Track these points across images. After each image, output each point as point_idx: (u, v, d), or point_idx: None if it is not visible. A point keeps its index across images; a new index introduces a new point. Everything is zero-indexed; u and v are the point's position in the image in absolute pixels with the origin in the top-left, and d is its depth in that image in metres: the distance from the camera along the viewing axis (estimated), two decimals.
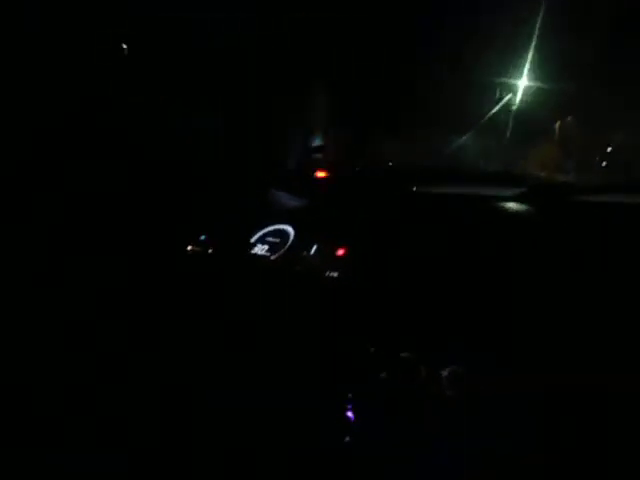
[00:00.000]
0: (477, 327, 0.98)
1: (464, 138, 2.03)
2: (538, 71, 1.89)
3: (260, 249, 1.18)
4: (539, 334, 0.93)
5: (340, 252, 1.12)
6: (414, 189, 1.20)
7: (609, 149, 1.96)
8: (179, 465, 0.95)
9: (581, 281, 0.96)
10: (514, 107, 2.02)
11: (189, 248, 1.20)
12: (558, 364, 0.89)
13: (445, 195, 1.20)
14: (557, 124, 2.09)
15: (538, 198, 1.15)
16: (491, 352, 0.94)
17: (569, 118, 2.10)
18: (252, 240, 1.19)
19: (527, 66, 1.87)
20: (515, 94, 2.00)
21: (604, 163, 1.93)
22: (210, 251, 1.19)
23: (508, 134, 2.00)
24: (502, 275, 1.02)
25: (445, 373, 0.95)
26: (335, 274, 1.10)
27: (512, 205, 1.16)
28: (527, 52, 1.84)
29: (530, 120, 2.00)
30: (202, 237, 1.21)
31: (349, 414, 0.97)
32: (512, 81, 1.95)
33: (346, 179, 1.25)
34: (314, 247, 1.14)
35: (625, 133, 1.92)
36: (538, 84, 1.95)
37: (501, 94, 2.01)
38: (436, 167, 1.37)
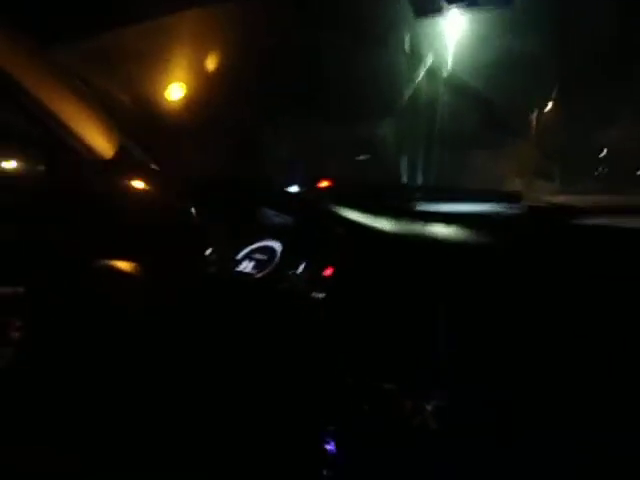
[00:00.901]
0: (464, 359, 0.95)
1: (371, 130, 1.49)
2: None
3: (246, 267, 1.15)
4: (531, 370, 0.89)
5: (327, 272, 1.09)
6: (404, 207, 1.16)
7: (604, 152, 1.59)
8: None
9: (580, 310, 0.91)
10: (443, 74, 1.41)
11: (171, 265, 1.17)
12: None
13: (438, 214, 1.16)
14: (533, 114, 1.60)
15: (539, 219, 1.10)
16: (476, 384, 0.92)
17: (550, 105, 1.60)
18: (238, 257, 1.16)
19: None
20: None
21: (600, 168, 1.59)
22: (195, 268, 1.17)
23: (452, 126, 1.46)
24: (495, 304, 0.98)
25: (429, 406, 0.93)
26: (321, 295, 1.07)
27: (509, 226, 1.11)
28: None
29: (489, 104, 1.51)
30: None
31: (330, 447, 0.95)
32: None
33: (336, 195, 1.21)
34: (301, 265, 1.11)
35: (626, 130, 1.53)
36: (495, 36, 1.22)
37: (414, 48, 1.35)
38: (425, 184, 1.31)
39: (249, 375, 1.05)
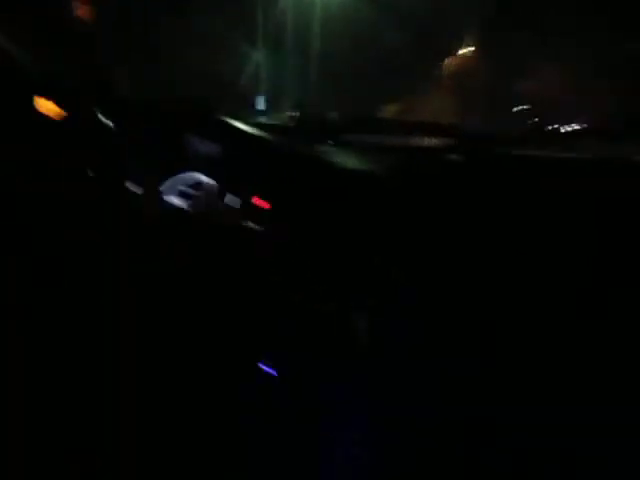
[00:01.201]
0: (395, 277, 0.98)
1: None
2: None
3: (175, 200, 1.09)
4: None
5: (261, 204, 1.07)
6: (336, 140, 1.15)
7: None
8: None
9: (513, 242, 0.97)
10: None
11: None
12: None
13: (374, 145, 1.17)
14: (448, 60, 1.52)
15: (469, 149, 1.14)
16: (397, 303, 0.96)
17: (468, 49, 1.52)
18: (165, 189, 1.10)
19: None
20: None
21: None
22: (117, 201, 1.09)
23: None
24: (421, 228, 1.02)
25: (362, 322, 0.96)
26: (255, 226, 1.05)
27: (443, 157, 1.15)
28: None
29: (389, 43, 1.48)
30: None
31: (268, 369, 0.96)
32: None
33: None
34: (233, 198, 1.08)
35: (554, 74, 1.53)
36: None
37: None
38: (355, 115, 1.31)
39: (188, 310, 1.02)
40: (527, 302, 0.91)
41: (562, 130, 1.44)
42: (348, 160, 1.10)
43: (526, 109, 1.57)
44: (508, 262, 0.94)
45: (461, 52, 1.56)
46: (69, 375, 0.93)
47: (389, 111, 1.61)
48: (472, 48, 1.53)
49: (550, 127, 1.49)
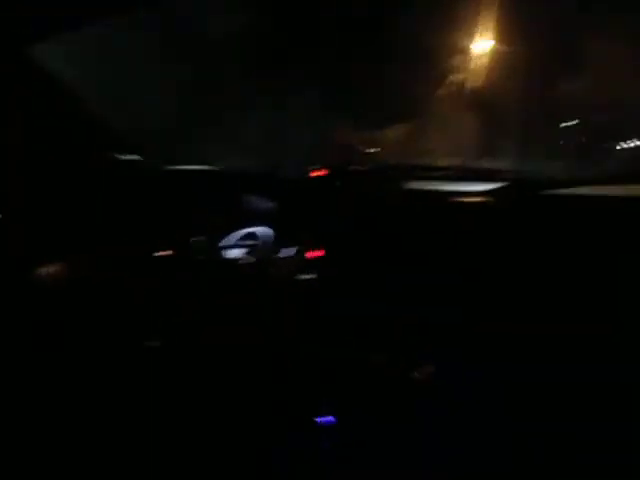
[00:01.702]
0: (452, 327, 1.00)
1: None
2: None
3: (235, 252, 1.15)
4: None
5: (316, 254, 1.11)
6: (384, 188, 1.17)
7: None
8: None
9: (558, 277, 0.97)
10: None
11: (158, 254, 1.16)
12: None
13: (423, 192, 1.18)
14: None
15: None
16: (463, 349, 0.97)
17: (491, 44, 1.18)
18: (225, 243, 1.16)
19: None
20: None
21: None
22: (179, 255, 1.16)
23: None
24: (480, 275, 1.03)
25: (417, 373, 0.98)
26: (310, 277, 1.09)
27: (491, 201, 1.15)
28: None
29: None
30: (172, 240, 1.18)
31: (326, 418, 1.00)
32: None
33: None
34: (290, 250, 1.12)
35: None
36: None
37: None
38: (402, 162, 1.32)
39: (248, 359, 1.07)
40: None
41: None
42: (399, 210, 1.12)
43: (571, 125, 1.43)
44: None
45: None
46: None
47: (391, 135, 1.42)
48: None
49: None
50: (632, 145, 1.33)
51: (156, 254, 1.15)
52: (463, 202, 1.12)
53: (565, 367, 0.93)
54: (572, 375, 0.92)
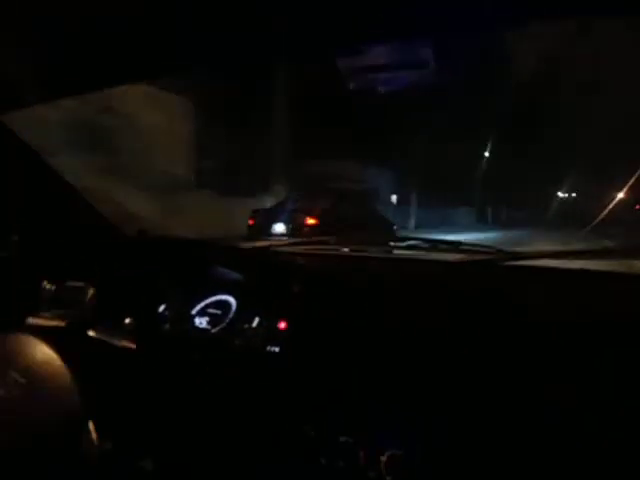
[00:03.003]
0: (419, 409, 0.96)
1: None
2: None
3: (201, 322, 1.15)
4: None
5: (282, 325, 1.10)
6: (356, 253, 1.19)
7: None
8: None
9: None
10: None
11: (127, 321, 1.16)
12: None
13: (392, 261, 1.20)
14: None
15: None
16: (432, 435, 0.93)
17: None
18: (193, 312, 1.16)
19: None
20: None
21: None
22: (148, 325, 1.16)
23: None
24: (447, 352, 1.01)
25: (384, 457, 0.94)
26: (276, 349, 1.08)
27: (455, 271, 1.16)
28: None
29: None
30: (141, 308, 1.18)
31: None
32: None
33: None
34: (256, 320, 1.12)
35: None
36: None
37: None
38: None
39: (203, 433, 1.04)
40: None
41: None
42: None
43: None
44: None
45: None
46: None
47: None
48: None
49: None
50: None
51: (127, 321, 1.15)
52: (428, 272, 1.14)
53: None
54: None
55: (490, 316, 1.01)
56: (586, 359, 0.88)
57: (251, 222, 4.91)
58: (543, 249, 1.23)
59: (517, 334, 0.95)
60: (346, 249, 1.27)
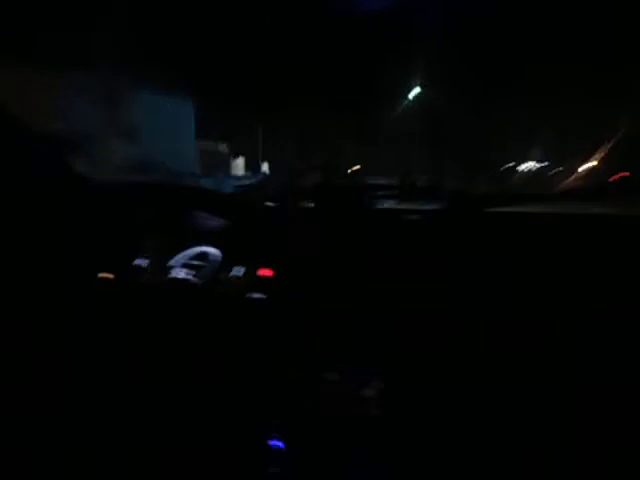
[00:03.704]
0: (399, 343, 1.00)
1: None
2: None
3: (182, 272, 1.13)
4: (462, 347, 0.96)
5: (266, 273, 1.10)
6: (334, 206, 1.21)
7: None
8: None
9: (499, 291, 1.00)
10: None
11: (101, 275, 1.12)
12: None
13: (369, 210, 1.22)
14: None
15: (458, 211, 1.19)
16: (413, 366, 0.97)
17: None
18: (173, 263, 1.14)
19: None
20: None
21: None
22: (127, 276, 1.13)
23: None
24: (424, 291, 1.04)
25: (368, 391, 0.96)
26: (261, 296, 1.08)
27: (435, 219, 1.19)
28: None
29: None
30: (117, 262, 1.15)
31: (277, 442, 0.96)
32: None
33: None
34: (240, 269, 1.11)
35: None
36: None
37: None
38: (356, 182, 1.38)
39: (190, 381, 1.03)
40: None
41: None
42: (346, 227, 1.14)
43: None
44: None
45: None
46: None
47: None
48: None
49: None
50: None
51: (100, 275, 1.11)
52: (409, 219, 1.16)
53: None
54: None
55: (472, 262, 1.04)
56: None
57: None
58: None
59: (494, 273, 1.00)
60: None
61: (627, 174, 1.31)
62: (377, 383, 0.97)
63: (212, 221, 1.15)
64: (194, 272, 1.13)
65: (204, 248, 1.15)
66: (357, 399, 0.97)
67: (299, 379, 1.00)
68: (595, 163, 1.69)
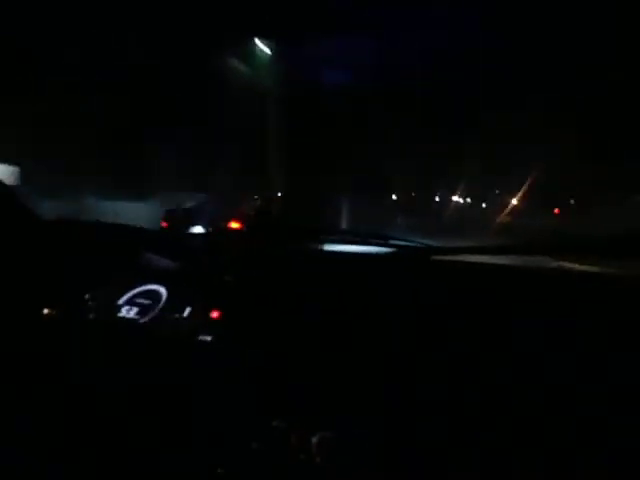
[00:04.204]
0: (349, 392, 1.00)
1: None
2: None
3: (128, 311, 1.11)
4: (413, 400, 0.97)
5: (214, 315, 1.09)
6: (289, 248, 1.22)
7: None
8: None
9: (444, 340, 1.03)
10: None
11: (45, 311, 1.09)
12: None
13: (323, 253, 1.24)
14: None
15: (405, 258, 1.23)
16: (361, 417, 0.97)
17: None
18: (120, 302, 1.12)
19: None
20: None
21: None
22: (71, 314, 1.09)
23: None
24: (374, 337, 1.06)
25: (315, 439, 0.96)
26: (208, 338, 1.07)
27: (383, 264, 1.23)
28: None
29: None
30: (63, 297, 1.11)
31: None
32: None
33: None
34: (187, 309, 1.10)
35: None
36: None
37: None
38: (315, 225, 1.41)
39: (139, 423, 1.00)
40: None
41: None
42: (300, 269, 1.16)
43: None
44: None
45: None
46: None
47: None
48: None
49: None
50: None
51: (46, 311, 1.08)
52: (357, 264, 1.19)
53: None
54: None
55: (417, 305, 1.08)
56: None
57: (164, 224, 4.60)
58: (465, 245, 1.33)
59: (441, 323, 1.03)
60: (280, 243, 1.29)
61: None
62: (324, 432, 0.96)
63: (160, 261, 1.14)
64: (141, 310, 1.11)
65: (152, 286, 1.13)
66: (304, 446, 0.96)
67: (246, 423, 0.98)
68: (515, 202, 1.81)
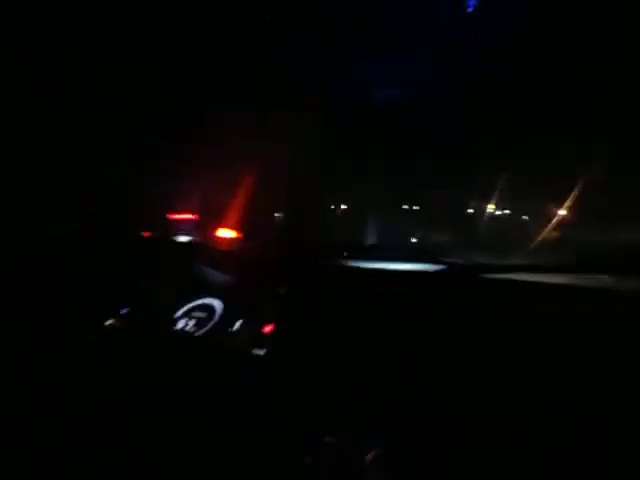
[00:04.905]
0: (399, 409, 1.00)
1: None
2: None
3: (185, 324, 1.15)
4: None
5: (267, 329, 1.12)
6: (340, 264, 1.23)
7: None
8: None
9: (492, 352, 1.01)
10: None
11: (108, 322, 1.14)
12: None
13: (372, 270, 1.24)
14: None
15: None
16: (407, 434, 0.96)
17: None
18: (177, 315, 1.16)
19: None
20: None
21: None
22: (131, 326, 1.14)
23: None
24: (427, 355, 1.05)
25: (368, 456, 0.96)
26: (261, 352, 1.09)
27: (434, 281, 1.22)
28: None
29: None
30: (123, 311, 1.16)
31: None
32: None
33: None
34: (240, 323, 1.13)
35: None
36: None
37: None
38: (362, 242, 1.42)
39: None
40: None
41: None
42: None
43: None
44: None
45: None
46: None
47: None
48: None
49: None
50: None
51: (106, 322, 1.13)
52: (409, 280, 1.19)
53: None
54: None
55: (469, 320, 1.06)
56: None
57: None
58: (512, 263, 1.31)
59: (494, 338, 1.02)
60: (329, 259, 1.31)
61: None
62: (377, 449, 0.96)
63: (215, 275, 1.18)
64: (196, 324, 1.14)
65: (207, 300, 1.17)
66: (356, 464, 0.96)
67: (298, 439, 0.99)
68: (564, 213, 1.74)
